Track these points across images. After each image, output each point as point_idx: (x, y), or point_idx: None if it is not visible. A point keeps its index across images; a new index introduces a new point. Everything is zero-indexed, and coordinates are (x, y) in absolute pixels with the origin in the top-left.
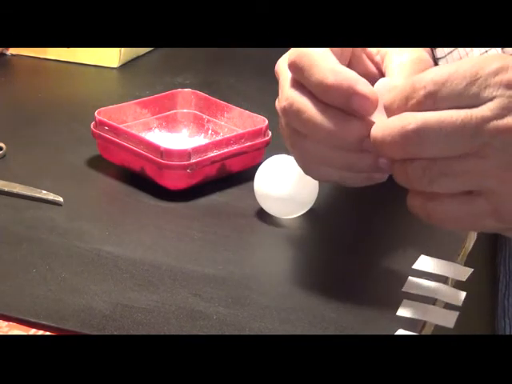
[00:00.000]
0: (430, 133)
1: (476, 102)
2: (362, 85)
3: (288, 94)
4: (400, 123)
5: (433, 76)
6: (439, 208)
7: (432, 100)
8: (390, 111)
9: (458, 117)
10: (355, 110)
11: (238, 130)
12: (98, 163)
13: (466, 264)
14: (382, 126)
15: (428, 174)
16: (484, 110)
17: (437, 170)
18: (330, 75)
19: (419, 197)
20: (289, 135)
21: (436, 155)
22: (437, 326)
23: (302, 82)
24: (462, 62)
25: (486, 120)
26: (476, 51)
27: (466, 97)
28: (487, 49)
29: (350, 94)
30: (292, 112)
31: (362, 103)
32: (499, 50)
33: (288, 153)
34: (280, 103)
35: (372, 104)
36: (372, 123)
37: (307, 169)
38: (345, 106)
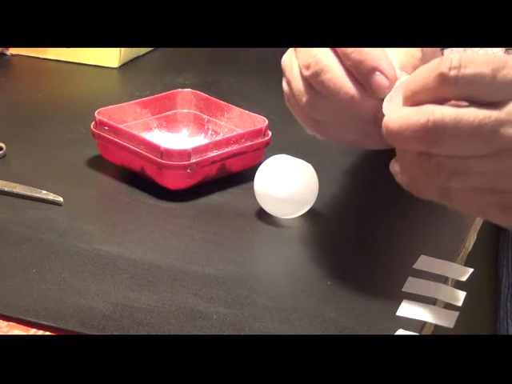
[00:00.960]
0: (447, 132)
1: (495, 95)
2: (385, 64)
3: (315, 53)
4: (417, 117)
5: (461, 56)
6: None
7: (454, 75)
8: (413, 77)
9: (475, 118)
10: (372, 87)
11: (238, 130)
12: (98, 163)
13: (466, 264)
14: (399, 116)
15: (443, 171)
16: (502, 114)
17: (452, 169)
18: (355, 49)
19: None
20: (306, 92)
21: (451, 154)
22: (437, 326)
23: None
24: (494, 54)
25: (504, 124)
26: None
27: (488, 84)
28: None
29: (373, 67)
30: (317, 70)
31: (380, 81)
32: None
33: (287, 153)
34: (306, 60)
35: (389, 86)
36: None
37: (323, 130)
38: (363, 79)
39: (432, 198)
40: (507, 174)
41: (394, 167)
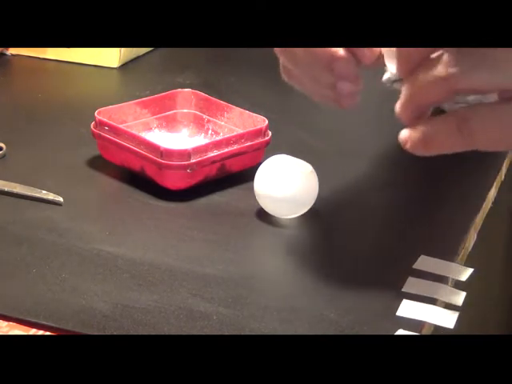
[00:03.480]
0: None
1: None
2: (342, 50)
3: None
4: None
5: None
6: (477, 122)
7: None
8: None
9: None
10: (340, 74)
11: (238, 130)
12: (98, 163)
13: (466, 264)
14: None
15: (460, 64)
16: None
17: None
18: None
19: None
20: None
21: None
22: (437, 326)
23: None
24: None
25: None
26: None
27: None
28: None
29: (332, 58)
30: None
31: (344, 66)
32: None
33: (287, 153)
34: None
35: (354, 67)
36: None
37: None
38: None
39: (451, 142)
40: None
41: (402, 133)
